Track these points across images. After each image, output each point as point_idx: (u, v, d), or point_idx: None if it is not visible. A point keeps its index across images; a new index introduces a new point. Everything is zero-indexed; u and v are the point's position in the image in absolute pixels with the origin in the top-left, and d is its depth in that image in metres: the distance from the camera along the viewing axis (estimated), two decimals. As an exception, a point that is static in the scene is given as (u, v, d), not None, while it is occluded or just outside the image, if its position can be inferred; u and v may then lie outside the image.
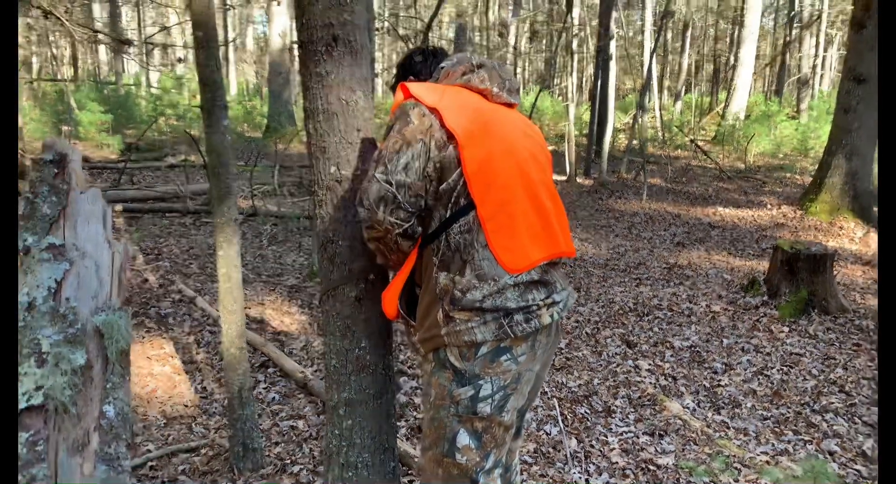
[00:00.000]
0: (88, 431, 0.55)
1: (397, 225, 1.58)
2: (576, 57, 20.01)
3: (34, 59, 15.39)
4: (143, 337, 4.13)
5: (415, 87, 1.67)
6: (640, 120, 11.86)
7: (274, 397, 3.41)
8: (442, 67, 1.82)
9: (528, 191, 1.64)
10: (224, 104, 2.54)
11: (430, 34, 6.22)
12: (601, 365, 3.91)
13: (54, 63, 17.58)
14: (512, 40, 17.71)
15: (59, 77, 16.39)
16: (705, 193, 10.40)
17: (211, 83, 2.49)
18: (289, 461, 2.83)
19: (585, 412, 3.33)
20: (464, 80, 1.75)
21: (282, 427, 3.13)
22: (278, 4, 11.98)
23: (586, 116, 15.15)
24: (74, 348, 0.54)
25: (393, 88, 2.02)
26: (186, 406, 3.31)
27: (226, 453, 2.84)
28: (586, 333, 4.42)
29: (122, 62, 18.40)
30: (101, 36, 3.75)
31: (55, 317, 0.54)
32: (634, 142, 11.41)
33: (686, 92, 26.19)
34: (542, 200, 1.68)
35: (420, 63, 1.93)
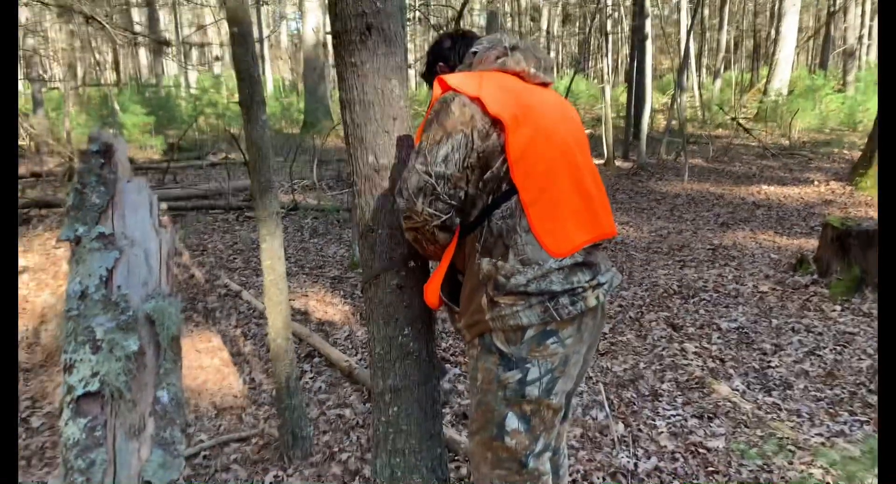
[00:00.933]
0: (144, 415, 0.56)
1: (436, 216, 1.58)
2: (610, 38, 19.68)
3: (78, 65, 15.85)
4: (192, 331, 4.23)
5: (453, 79, 1.64)
6: (678, 100, 11.61)
7: (320, 387, 3.47)
8: (474, 52, 1.78)
9: (571, 173, 1.63)
10: (262, 100, 2.57)
11: (461, 22, 6.17)
12: (646, 349, 3.85)
13: (97, 68, 18.06)
14: (545, 25, 17.48)
15: (102, 82, 16.83)
16: (748, 172, 10.13)
17: (248, 78, 2.52)
18: (337, 449, 2.87)
19: (632, 396, 3.29)
20: (499, 63, 1.72)
21: (329, 416, 3.18)
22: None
23: (623, 98, 14.89)
24: (127, 335, 0.55)
25: (423, 76, 2.02)
26: (236, 397, 3.38)
27: (276, 442, 2.89)
28: (630, 317, 4.36)
29: (162, 64, 18.80)
30: (140, 38, 3.83)
31: (107, 305, 0.56)
32: (673, 122, 11.18)
33: (726, 69, 25.51)
34: (584, 182, 1.66)
35: (448, 48, 1.91)
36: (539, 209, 1.55)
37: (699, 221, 7.18)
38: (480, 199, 1.60)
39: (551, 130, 1.62)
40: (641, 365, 3.63)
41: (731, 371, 3.52)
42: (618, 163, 11.44)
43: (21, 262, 5.39)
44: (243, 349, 3.93)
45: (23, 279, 5.01)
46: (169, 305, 0.59)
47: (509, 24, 14.42)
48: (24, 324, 4.27)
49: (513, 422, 1.62)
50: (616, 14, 16.39)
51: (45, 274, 5.15)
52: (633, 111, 11.92)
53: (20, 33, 11.01)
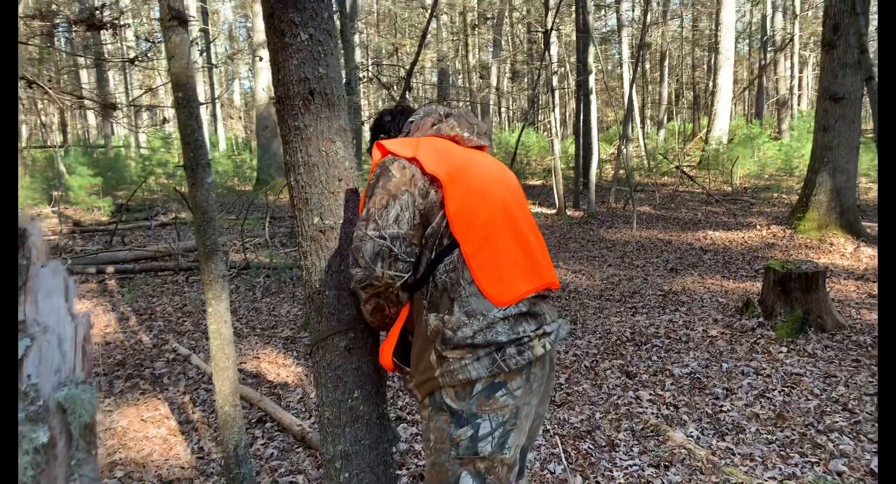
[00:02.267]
0: (54, 509, 0.54)
1: (398, 278, 1.60)
2: (557, 93, 20.36)
3: (23, 127, 15.55)
4: (138, 399, 4.07)
5: (390, 144, 1.72)
6: (624, 150, 12.01)
7: (272, 453, 3.35)
8: (411, 122, 1.89)
9: (511, 225, 1.67)
10: (207, 162, 2.57)
11: (411, 80, 6.32)
12: (602, 398, 3.86)
13: (44, 130, 17.75)
14: (494, 81, 18.04)
15: (48, 143, 16.53)
16: (695, 218, 10.46)
17: (193, 142, 2.52)
18: (290, 519, 2.76)
19: (589, 448, 3.28)
20: (434, 129, 1.82)
21: (281, 483, 3.07)
22: (261, 60, 12.20)
23: (572, 150, 15.33)
24: (36, 426, 0.53)
25: (370, 150, 2.07)
26: (183, 468, 3.24)
27: (225, 515, 2.77)
28: (585, 366, 4.38)
29: (111, 125, 18.61)
30: (87, 102, 3.81)
31: (18, 395, 0.54)
32: (621, 171, 11.54)
33: (669, 120, 26.60)
34: (524, 234, 1.71)
35: (389, 122, 2.02)
36: (481, 260, 1.59)
37: (649, 268, 7.34)
38: (424, 256, 1.63)
39: (487, 187, 1.68)
40: (598, 415, 3.64)
41: (685, 417, 3.55)
42: (569, 212, 11.69)
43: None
44: (192, 416, 3.79)
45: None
46: (83, 392, 0.58)
47: (460, 81, 14.83)
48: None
49: (467, 481, 1.59)
50: (562, 70, 17.00)
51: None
52: (582, 162, 12.26)
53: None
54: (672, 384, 3.99)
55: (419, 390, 1.65)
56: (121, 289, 6.62)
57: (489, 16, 12.72)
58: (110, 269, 6.88)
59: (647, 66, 30.00)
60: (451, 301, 1.58)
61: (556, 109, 20.25)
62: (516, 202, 1.76)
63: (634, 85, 19.65)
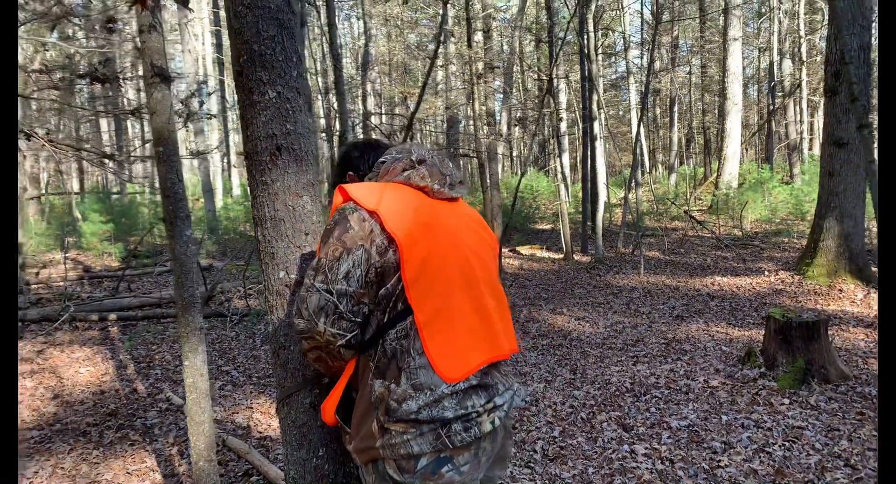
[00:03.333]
0: None
1: (339, 336, 1.53)
2: (567, 138, 20.56)
3: (43, 174, 15.95)
4: (126, 450, 4.03)
5: (353, 190, 1.63)
6: (632, 194, 12.02)
7: (255, 508, 3.28)
8: (382, 162, 1.78)
9: (470, 292, 1.61)
10: (187, 214, 2.59)
11: (413, 127, 6.42)
12: (596, 452, 3.76)
13: (61, 177, 18.18)
14: (504, 127, 18.29)
15: (66, 190, 16.90)
16: (703, 263, 10.37)
17: (173, 195, 2.55)
18: None
19: (581, 505, 3.17)
20: (404, 176, 1.71)
21: (261, 541, 2.99)
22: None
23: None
24: None
25: (332, 186, 2.04)
26: (163, 523, 3.18)
27: None
28: (581, 418, 4.29)
29: (129, 171, 18.99)
30: (83, 152, 3.90)
31: None
32: (629, 216, 11.54)
33: (680, 164, 26.68)
34: (483, 300, 1.64)
35: (358, 157, 1.92)
36: (433, 331, 1.52)
37: (654, 314, 7.24)
38: (375, 317, 1.56)
39: (451, 248, 1.61)
40: (591, 470, 3.54)
41: (681, 473, 3.44)
42: (576, 257, 11.65)
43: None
44: (178, 469, 3.74)
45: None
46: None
47: (471, 128, 15.06)
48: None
49: None
50: (572, 116, 17.22)
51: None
52: (589, 207, 12.27)
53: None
54: (669, 437, 3.89)
55: (359, 456, 1.59)
56: (122, 336, 6.64)
57: (496, 65, 12.96)
58: (113, 316, 6.92)
59: (658, 111, 30.31)
60: (399, 370, 1.51)
61: (566, 155, 20.42)
62: (480, 263, 1.69)
63: (643, 130, 19.79)
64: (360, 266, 1.52)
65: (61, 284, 8.87)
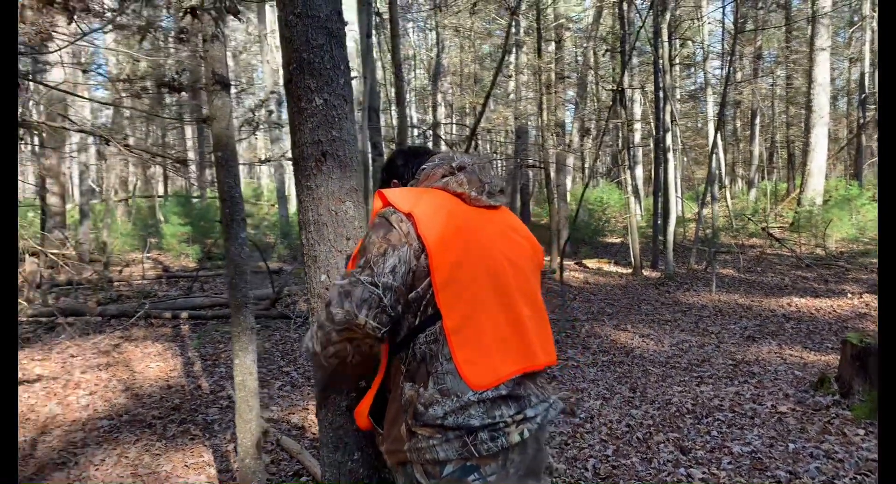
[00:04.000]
0: None
1: (377, 329, 1.52)
2: (640, 150, 20.09)
3: (129, 179, 16.91)
4: (186, 444, 4.18)
5: (391, 194, 1.65)
6: (707, 209, 11.62)
7: (302, 509, 3.33)
8: (423, 169, 1.80)
9: (502, 300, 1.58)
10: (242, 218, 2.68)
11: (477, 138, 6.43)
12: (650, 473, 3.63)
13: (148, 181, 19.21)
14: (576, 139, 18.10)
15: (151, 193, 17.83)
16: (781, 283, 9.89)
17: (230, 199, 2.64)
18: None
19: (630, 528, 3.06)
20: (442, 183, 1.72)
21: (305, 541, 3.04)
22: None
23: (653, 208, 14.97)
24: None
25: (381, 186, 2.05)
26: (214, 517, 3.27)
27: (242, 570, 2.76)
28: (637, 438, 4.15)
29: (205, 177, 19.85)
30: (157, 157, 4.11)
31: None
32: (703, 232, 11.16)
33: (761, 179, 25.61)
34: (517, 309, 1.60)
35: (402, 166, 1.92)
36: (462, 338, 1.50)
37: (724, 334, 6.95)
38: (406, 320, 1.56)
39: (484, 256, 1.59)
40: (644, 492, 3.41)
41: (741, 501, 3.27)
42: (645, 272, 11.34)
43: (37, 370, 5.50)
44: (231, 466, 3.84)
45: (34, 388, 5.08)
46: None
47: (533, 139, 14.96)
48: (24, 435, 4.29)
49: None
50: (646, 128, 16.84)
51: (56, 383, 5.23)
52: (661, 221, 11.94)
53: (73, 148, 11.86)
54: (730, 463, 3.70)
55: (389, 457, 1.61)
56: (192, 334, 6.91)
57: (567, 75, 12.84)
58: (185, 314, 7.22)
59: (738, 123, 29.22)
60: (428, 374, 1.51)
61: (639, 167, 19.96)
62: (516, 272, 1.65)
63: (721, 143, 19.12)
64: (404, 263, 1.53)
65: (141, 282, 9.34)
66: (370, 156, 6.39)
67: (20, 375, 5.35)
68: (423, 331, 1.54)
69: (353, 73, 6.73)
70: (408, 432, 1.52)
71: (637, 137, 17.90)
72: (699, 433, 4.15)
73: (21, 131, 4.54)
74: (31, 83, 5.45)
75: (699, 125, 29.06)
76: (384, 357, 1.67)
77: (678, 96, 22.04)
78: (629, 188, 11.66)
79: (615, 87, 9.48)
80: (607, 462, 3.79)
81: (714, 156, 12.08)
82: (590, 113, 19.01)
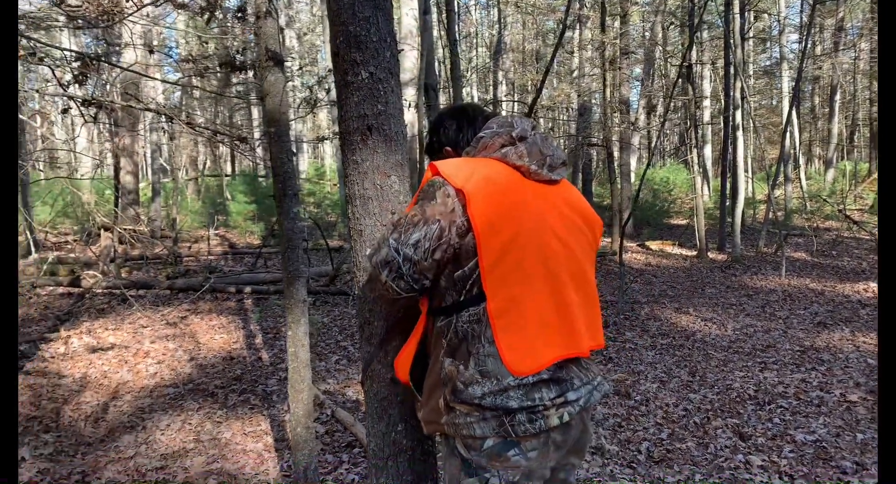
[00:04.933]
0: None
1: (396, 292, 1.53)
2: (709, 129, 19.36)
3: (199, 158, 17.50)
4: (246, 413, 4.32)
5: (444, 166, 1.58)
6: (780, 190, 11.12)
7: (353, 479, 3.41)
8: (480, 138, 1.71)
9: (551, 284, 1.53)
10: (295, 193, 2.72)
11: (536, 115, 6.32)
12: (706, 459, 3.54)
13: (218, 160, 19.82)
14: (642, 117, 17.61)
15: (219, 172, 18.39)
16: (857, 268, 9.40)
17: (283, 174, 2.68)
18: (354, 547, 2.78)
19: (682, 513, 3.00)
20: (501, 153, 1.64)
21: (355, 510, 3.11)
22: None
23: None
24: None
25: (429, 151, 2.01)
26: (269, 484, 3.38)
27: (294, 535, 2.85)
28: (694, 422, 4.05)
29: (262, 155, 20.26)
30: (219, 135, 4.22)
31: None
32: (774, 214, 10.69)
33: (840, 159, 24.32)
34: (565, 294, 1.56)
35: (455, 131, 1.83)
36: (505, 322, 1.48)
37: (792, 320, 6.67)
38: (450, 295, 1.55)
39: (535, 237, 1.53)
40: (698, 477, 3.33)
41: (801, 491, 3.15)
42: (711, 255, 10.99)
43: (110, 339, 5.79)
44: (287, 435, 3.96)
45: (107, 356, 5.36)
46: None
47: (596, 117, 14.63)
48: (97, 398, 4.53)
49: None
50: (716, 106, 16.19)
51: (127, 352, 5.49)
52: (728, 202, 11.51)
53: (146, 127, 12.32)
54: (792, 451, 3.57)
55: (426, 426, 1.61)
56: (254, 308, 7.13)
57: (632, 51, 12.46)
58: (248, 289, 7.44)
59: (816, 100, 27.78)
60: (469, 354, 1.50)
61: (707, 146, 19.27)
62: (568, 253, 1.59)
63: (796, 121, 18.22)
64: (429, 239, 1.49)
65: (208, 257, 9.68)
66: (426, 133, 6.37)
67: (95, 342, 5.65)
68: (466, 309, 1.52)
69: (413, 50, 6.71)
70: (445, 406, 1.52)
71: (706, 115, 17.25)
72: (760, 420, 4.02)
73: (95, 111, 4.74)
74: (105, 64, 5.67)
75: (773, 102, 27.77)
76: (423, 314, 1.65)
77: (751, 72, 21.06)
78: (696, 168, 11.27)
79: (683, 63, 9.13)
80: (662, 445, 3.72)
81: (788, 134, 11.52)
82: (656, 90, 18.43)
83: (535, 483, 1.51)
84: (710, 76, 18.26)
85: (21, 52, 3.63)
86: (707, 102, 18.74)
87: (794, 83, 15.63)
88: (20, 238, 8.95)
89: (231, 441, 3.89)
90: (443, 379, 1.53)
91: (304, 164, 22.95)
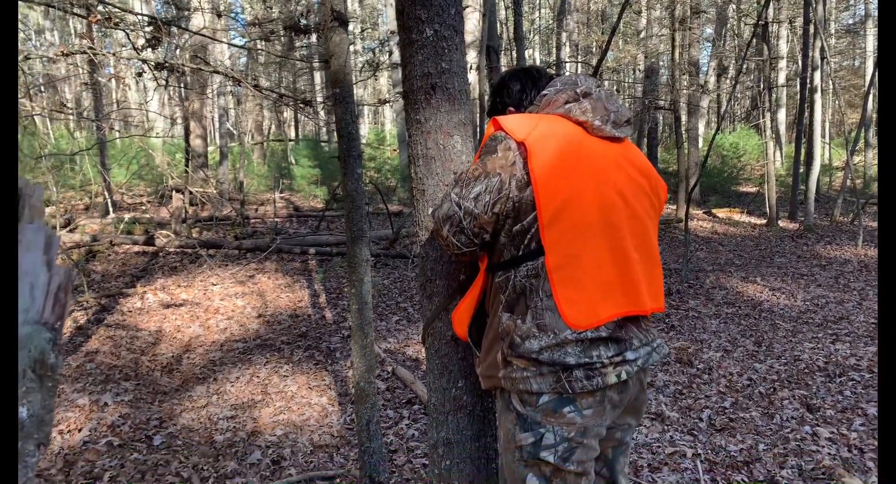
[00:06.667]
0: (1, 427, 0.65)
1: (457, 247, 1.56)
2: (784, 92, 18.43)
3: (264, 123, 17.86)
4: (311, 369, 4.48)
5: (506, 121, 1.57)
6: (858, 157, 10.55)
7: (413, 434, 3.50)
8: (544, 95, 1.69)
9: (611, 241, 1.51)
10: (358, 154, 2.75)
11: (601, 77, 6.15)
12: (771, 429, 3.47)
13: (283, 125, 20.17)
14: (712, 79, 16.91)
15: (284, 137, 18.74)
16: (942, 238, 8.88)
17: (347, 135, 2.71)
18: (414, 499, 2.87)
19: (743, 480, 2.97)
20: (564, 109, 1.61)
21: (415, 464, 3.20)
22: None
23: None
24: (-6, 355, 0.65)
25: (491, 113, 2.00)
26: (333, 436, 3.51)
27: (357, 484, 2.96)
28: (759, 392, 3.96)
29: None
30: (284, 98, 4.29)
31: (-14, 327, 0.66)
32: (852, 181, 10.15)
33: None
34: (626, 251, 1.53)
35: (519, 91, 1.81)
36: (564, 276, 1.47)
37: (868, 291, 6.39)
38: (508, 251, 1.55)
39: (595, 193, 1.51)
40: (761, 446, 3.27)
41: (871, 464, 3.06)
42: (781, 223, 10.59)
43: (182, 295, 6.06)
44: (351, 390, 4.09)
45: (180, 311, 5.62)
46: (37, 332, 0.67)
47: (663, 79, 14.11)
48: (172, 351, 4.78)
49: (534, 483, 1.54)
50: (789, 67, 15.36)
51: (198, 308, 5.74)
52: (802, 169, 11.01)
53: (214, 93, 12.62)
54: (862, 425, 3.46)
55: (484, 381, 1.63)
56: (318, 269, 7.32)
57: (703, 9, 11.90)
58: (312, 250, 7.63)
59: (905, 60, 25.97)
60: (527, 308, 1.50)
61: (781, 110, 18.37)
62: (630, 212, 1.57)
63: (877, 83, 17.10)
64: (490, 192, 1.49)
65: (273, 219, 9.95)
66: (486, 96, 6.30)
67: (169, 298, 5.93)
68: (524, 263, 1.52)
69: (476, 12, 6.60)
70: (503, 360, 1.53)
71: (781, 77, 16.40)
72: (830, 392, 3.90)
73: (167, 74, 4.89)
74: (175, 28, 5.82)
75: (856, 63, 26.14)
76: (482, 269, 1.66)
77: (832, 31, 19.86)
78: (769, 133, 10.78)
79: (758, 22, 8.67)
80: (724, 414, 3.67)
81: (871, 97, 10.86)
82: (728, 51, 17.62)
83: (590, 440, 1.51)
84: (787, 36, 17.29)
85: (97, 17, 3.76)
86: (783, 63, 17.80)
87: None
88: (99, 199, 9.40)
89: (297, 394, 4.04)
90: (501, 333, 1.54)
91: (365, 129, 23.12)
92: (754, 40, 9.36)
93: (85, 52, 3.79)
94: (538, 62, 20.26)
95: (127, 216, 8.23)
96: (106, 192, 8.90)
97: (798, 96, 11.06)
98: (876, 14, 18.20)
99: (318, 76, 20.84)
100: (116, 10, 4.58)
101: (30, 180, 0.72)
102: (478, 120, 6.44)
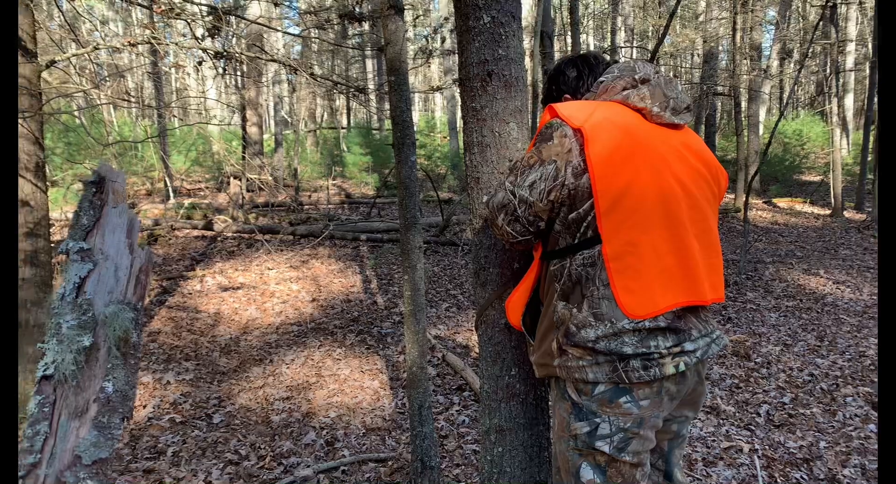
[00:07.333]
0: (89, 401, 0.68)
1: (512, 235, 1.56)
2: (852, 76, 17.64)
3: (317, 111, 18.08)
4: (364, 353, 4.55)
5: (562, 108, 1.54)
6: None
7: (464, 420, 3.53)
8: (601, 82, 1.66)
9: (670, 230, 1.48)
10: (412, 141, 2.76)
11: (658, 63, 6.01)
12: (833, 427, 3.36)
13: (335, 113, 20.40)
14: (775, 64, 16.30)
15: (336, 125, 18.97)
16: None
17: (401, 122, 2.73)
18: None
19: (802, 478, 2.89)
20: (622, 96, 1.59)
21: (465, 450, 3.22)
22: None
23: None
24: (83, 332, 0.68)
25: (544, 103, 1.98)
26: (385, 419, 3.57)
27: (408, 468, 3.00)
28: (821, 388, 3.84)
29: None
30: (339, 86, 4.34)
31: (75, 306, 0.69)
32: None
33: None
34: (686, 240, 1.50)
35: (575, 78, 1.78)
36: (621, 265, 1.44)
37: (940, 286, 6.10)
38: (564, 239, 1.53)
39: (655, 181, 1.48)
40: (822, 444, 3.18)
41: (940, 467, 2.93)
42: (847, 214, 10.18)
43: (240, 279, 6.23)
44: (402, 375, 4.14)
45: (237, 294, 5.78)
46: (122, 311, 0.71)
47: (723, 64, 13.68)
48: (230, 332, 4.92)
49: (587, 472, 1.52)
50: (858, 51, 14.62)
51: (255, 291, 5.90)
52: (871, 157, 10.53)
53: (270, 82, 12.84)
54: (931, 425, 3.32)
55: (538, 369, 1.63)
56: (370, 255, 7.41)
57: (767, -9, 11.45)
58: (363, 237, 7.73)
59: None
60: (583, 297, 1.48)
61: (849, 96, 17.59)
62: (689, 200, 1.53)
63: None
64: (545, 180, 1.48)
65: (327, 206, 10.11)
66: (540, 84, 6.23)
67: (227, 281, 6.10)
68: (580, 252, 1.50)
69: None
70: (558, 349, 1.52)
71: (849, 61, 15.68)
72: None
73: (225, 63, 5.00)
74: (234, 17, 5.94)
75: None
76: (536, 258, 1.66)
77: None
78: (835, 119, 10.35)
79: (826, 3, 8.30)
80: (783, 410, 3.57)
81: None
82: (793, 34, 16.94)
83: (647, 432, 1.49)
84: (857, 17, 16.49)
85: (161, 8, 3.87)
86: (851, 47, 17.02)
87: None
88: (160, 184, 9.72)
89: (350, 377, 4.12)
90: (556, 322, 1.53)
91: (416, 116, 23.19)
92: (821, 23, 8.96)
93: (150, 42, 3.91)
94: (592, 47, 19.91)
95: (187, 202, 8.50)
96: (167, 178, 9.20)
97: (867, 81, 10.54)
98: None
99: (370, 64, 20.98)
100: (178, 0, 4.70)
101: (112, 166, 0.76)
102: (530, 106, 6.39)
